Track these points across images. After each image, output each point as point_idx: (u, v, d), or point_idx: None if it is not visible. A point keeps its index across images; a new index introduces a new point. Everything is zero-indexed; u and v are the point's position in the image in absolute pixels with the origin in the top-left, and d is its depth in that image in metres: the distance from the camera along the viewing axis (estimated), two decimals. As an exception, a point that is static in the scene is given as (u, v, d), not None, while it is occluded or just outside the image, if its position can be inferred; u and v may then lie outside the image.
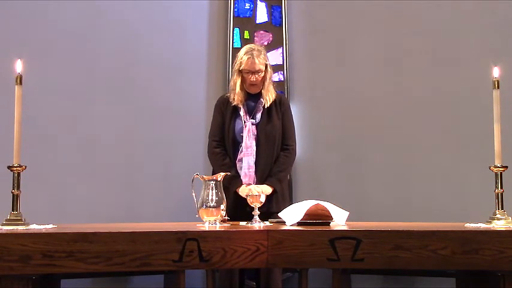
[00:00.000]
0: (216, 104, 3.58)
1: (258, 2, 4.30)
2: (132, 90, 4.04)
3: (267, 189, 3.35)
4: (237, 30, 4.26)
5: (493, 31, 4.04)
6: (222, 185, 2.84)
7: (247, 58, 3.39)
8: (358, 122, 4.18)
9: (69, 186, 3.84)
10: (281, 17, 4.28)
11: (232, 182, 3.36)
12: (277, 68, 4.18)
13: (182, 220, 3.36)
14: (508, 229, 2.51)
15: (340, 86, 4.23)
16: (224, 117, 3.49)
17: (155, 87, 4.10)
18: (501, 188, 2.65)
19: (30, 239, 2.30)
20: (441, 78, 4.09)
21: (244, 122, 3.44)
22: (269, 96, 3.46)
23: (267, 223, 2.88)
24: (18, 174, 2.58)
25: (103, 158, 3.94)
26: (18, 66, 2.64)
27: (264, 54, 3.46)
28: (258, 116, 3.46)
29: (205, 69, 4.25)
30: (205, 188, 2.81)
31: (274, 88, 3.55)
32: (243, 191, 3.36)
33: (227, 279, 3.36)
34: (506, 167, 2.66)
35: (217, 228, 2.63)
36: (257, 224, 2.80)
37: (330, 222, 2.75)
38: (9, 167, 2.56)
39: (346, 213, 2.80)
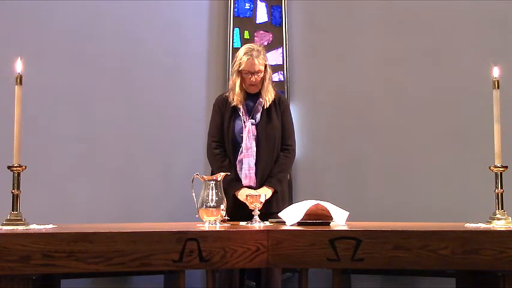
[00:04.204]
0: (214, 104, 3.55)
1: (258, 2, 4.30)
2: (132, 90, 4.04)
3: (266, 194, 3.29)
4: (237, 30, 4.26)
5: (493, 31, 4.05)
6: (222, 185, 2.84)
7: (247, 59, 3.36)
8: (358, 122, 4.18)
9: (69, 186, 3.83)
10: (281, 17, 4.28)
11: (231, 184, 3.33)
12: (277, 68, 4.19)
13: (182, 220, 3.36)
14: (508, 229, 2.50)
15: (340, 86, 4.23)
16: (223, 117, 3.47)
17: (155, 87, 4.10)
18: (501, 188, 2.64)
19: (30, 239, 2.29)
20: (441, 78, 4.09)
21: (244, 122, 3.42)
22: (268, 97, 3.44)
23: (267, 223, 2.88)
24: (18, 174, 2.57)
25: (103, 158, 3.94)
26: (18, 66, 2.63)
27: (264, 55, 3.44)
28: (258, 116, 3.44)
29: (205, 69, 4.25)
30: (205, 188, 2.80)
31: (274, 87, 3.53)
32: (242, 194, 3.33)
33: (227, 279, 3.36)
34: (506, 167, 2.65)
35: (217, 228, 2.62)
36: (257, 224, 2.80)
37: (330, 222, 2.74)
38: (9, 167, 2.56)
39: (346, 213, 2.79)
